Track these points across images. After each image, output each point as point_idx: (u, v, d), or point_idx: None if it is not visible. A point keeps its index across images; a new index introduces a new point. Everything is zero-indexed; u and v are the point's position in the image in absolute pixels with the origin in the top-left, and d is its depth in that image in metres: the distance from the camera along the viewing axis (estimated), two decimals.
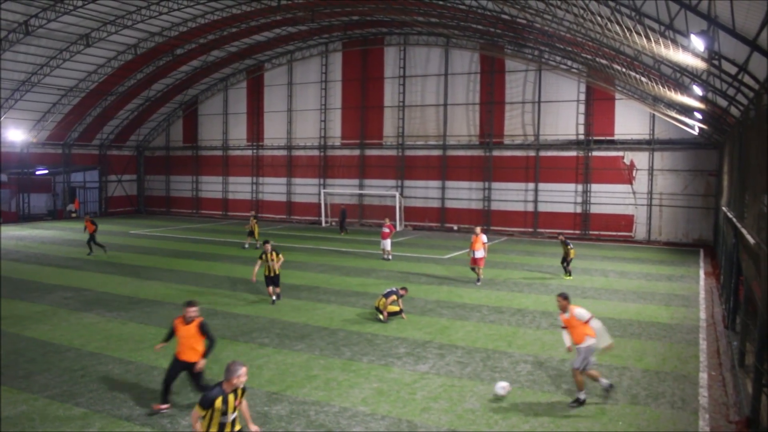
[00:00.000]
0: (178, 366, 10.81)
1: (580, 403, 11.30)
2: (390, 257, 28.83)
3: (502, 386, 11.70)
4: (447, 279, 24.00)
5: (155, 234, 39.34)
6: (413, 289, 21.13)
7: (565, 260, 24.47)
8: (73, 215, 50.82)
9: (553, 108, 39.09)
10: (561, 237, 25.29)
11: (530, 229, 39.79)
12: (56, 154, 49.77)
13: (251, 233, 32.66)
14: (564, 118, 38.81)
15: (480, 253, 22.96)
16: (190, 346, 10.70)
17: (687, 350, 14.87)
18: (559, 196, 38.96)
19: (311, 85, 47.56)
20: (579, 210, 38.56)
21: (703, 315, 18.54)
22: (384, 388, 12.12)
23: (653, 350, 14.84)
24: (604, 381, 11.68)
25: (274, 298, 19.31)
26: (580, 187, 38.47)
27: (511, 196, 40.51)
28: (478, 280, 23.22)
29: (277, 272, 19.24)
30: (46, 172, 50.85)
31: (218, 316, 17.84)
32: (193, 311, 10.78)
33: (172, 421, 10.45)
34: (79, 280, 23.18)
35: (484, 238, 23.16)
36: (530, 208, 39.99)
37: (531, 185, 39.88)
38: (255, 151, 50.69)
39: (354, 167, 46.06)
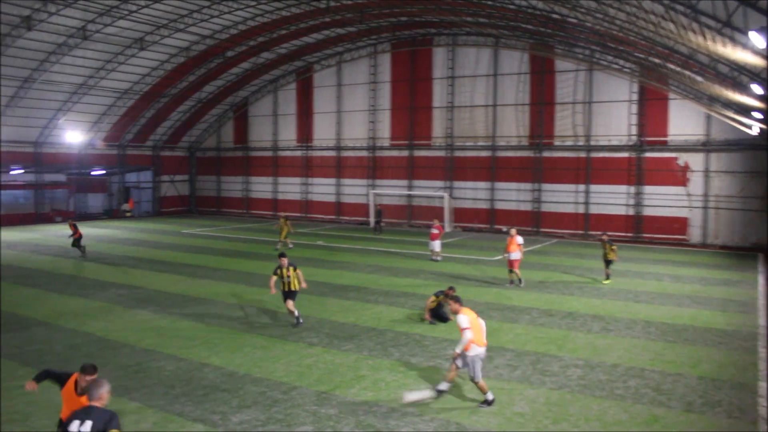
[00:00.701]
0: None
1: (489, 403, 11.26)
2: (439, 258, 28.74)
3: (410, 395, 11.34)
4: (496, 281, 23.78)
5: (206, 233, 40.06)
6: (462, 291, 20.91)
7: (608, 262, 23.85)
8: (128, 215, 52.09)
9: (604, 108, 38.40)
10: (605, 237, 24.63)
11: (581, 232, 39.15)
12: (112, 154, 51.12)
13: (285, 233, 32.95)
14: (616, 119, 38.08)
15: (515, 255, 22.69)
16: None
17: (745, 358, 14.42)
18: (611, 198, 38.23)
19: (360, 86, 47.76)
20: (631, 212, 37.77)
21: (762, 321, 17.95)
22: None
23: (709, 357, 14.44)
24: (442, 385, 11.48)
25: (295, 321, 16.93)
26: (632, 189, 37.68)
27: (561, 197, 39.95)
28: (512, 282, 22.91)
29: (296, 288, 16.99)
30: (102, 172, 52.26)
31: (267, 314, 18.08)
32: (90, 381, 7.90)
33: (223, 418, 10.61)
34: (133, 278, 23.75)
35: (519, 239, 22.88)
36: (581, 210, 39.37)
37: (582, 187, 39.25)
38: (304, 151, 51.15)
39: (403, 168, 46.07)
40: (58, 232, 39.14)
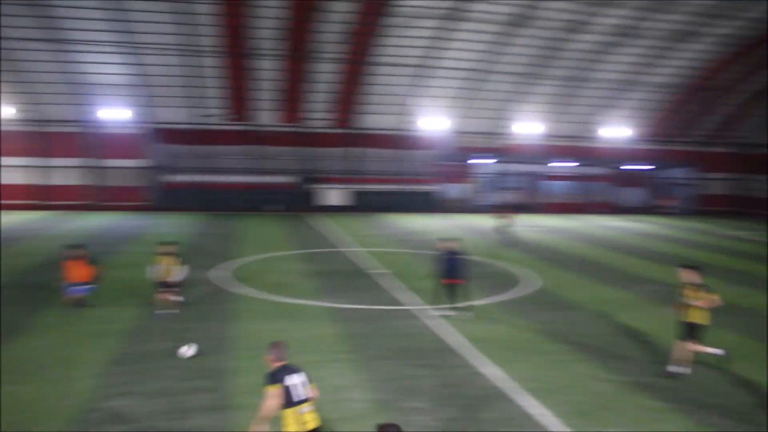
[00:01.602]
0: None
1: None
2: None
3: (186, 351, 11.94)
4: None
5: (752, 237, 36.92)
6: None
7: None
8: (669, 211, 51.33)
9: None
10: None
11: None
12: (651, 149, 51.14)
13: None
14: None
15: None
16: None
17: None
18: None
19: None
20: None
21: None
22: None
23: None
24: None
25: (673, 371, 12.07)
26: None
27: None
28: None
29: (694, 320, 11.85)
30: (641, 167, 52.67)
31: None
32: None
33: None
34: (666, 275, 23.31)
35: None
36: None
37: None
38: None
39: None
40: (597, 222, 41.15)
